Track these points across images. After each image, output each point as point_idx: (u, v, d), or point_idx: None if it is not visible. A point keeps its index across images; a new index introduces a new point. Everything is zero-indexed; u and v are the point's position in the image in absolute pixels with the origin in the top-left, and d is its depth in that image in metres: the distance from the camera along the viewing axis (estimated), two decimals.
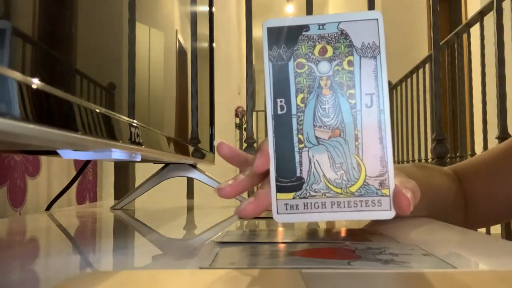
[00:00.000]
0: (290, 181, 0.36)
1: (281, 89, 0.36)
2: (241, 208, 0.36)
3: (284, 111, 0.36)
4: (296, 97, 0.36)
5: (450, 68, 2.39)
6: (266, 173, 0.37)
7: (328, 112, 0.36)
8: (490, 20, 1.72)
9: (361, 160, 0.35)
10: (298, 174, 0.36)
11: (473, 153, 2.05)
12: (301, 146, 0.36)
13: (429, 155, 2.11)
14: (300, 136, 0.36)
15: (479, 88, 1.88)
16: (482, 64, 1.87)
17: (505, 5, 1.62)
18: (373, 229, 0.46)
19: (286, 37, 0.36)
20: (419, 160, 2.94)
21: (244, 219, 0.58)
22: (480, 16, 1.89)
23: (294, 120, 0.36)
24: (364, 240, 0.38)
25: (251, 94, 1.38)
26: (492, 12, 1.66)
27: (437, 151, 1.39)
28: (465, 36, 2.12)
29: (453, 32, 2.23)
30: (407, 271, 0.28)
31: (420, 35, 4.20)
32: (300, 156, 0.36)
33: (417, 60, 2.94)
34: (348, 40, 0.36)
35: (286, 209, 0.36)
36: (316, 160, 0.36)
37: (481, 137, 1.88)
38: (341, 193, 0.35)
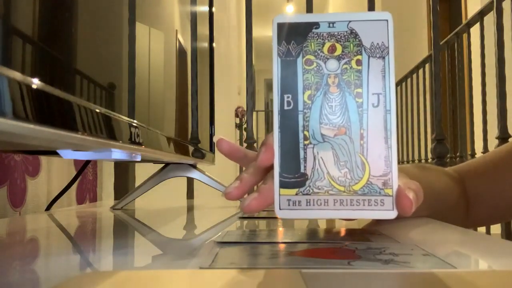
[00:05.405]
0: (294, 177, 0.36)
1: (288, 85, 0.36)
2: (246, 204, 0.36)
3: (291, 107, 0.36)
4: (303, 93, 0.36)
5: (450, 68, 2.39)
6: (269, 169, 0.37)
7: (334, 110, 0.36)
8: (490, 20, 1.72)
9: (365, 159, 0.35)
10: (302, 170, 0.36)
11: (473, 153, 2.05)
12: (306, 142, 0.36)
13: (429, 155, 2.11)
14: (305, 132, 0.36)
15: (479, 88, 1.88)
16: (482, 64, 1.87)
17: (505, 5, 1.62)
18: (373, 229, 0.46)
19: (296, 33, 0.36)
20: (419, 160, 2.94)
21: (249, 213, 0.58)
22: (480, 16, 1.89)
23: (300, 116, 0.36)
24: (364, 240, 0.38)
25: (251, 94, 1.39)
26: (492, 12, 1.66)
27: (437, 151, 1.39)
28: (465, 36, 2.12)
29: (453, 32, 2.23)
30: (407, 271, 0.28)
31: (420, 35, 4.20)
32: (305, 153, 0.36)
33: (417, 60, 2.95)
34: (357, 40, 0.36)
35: (289, 205, 0.36)
36: (321, 157, 0.36)
37: (481, 137, 1.88)
38: (344, 191, 0.35)
